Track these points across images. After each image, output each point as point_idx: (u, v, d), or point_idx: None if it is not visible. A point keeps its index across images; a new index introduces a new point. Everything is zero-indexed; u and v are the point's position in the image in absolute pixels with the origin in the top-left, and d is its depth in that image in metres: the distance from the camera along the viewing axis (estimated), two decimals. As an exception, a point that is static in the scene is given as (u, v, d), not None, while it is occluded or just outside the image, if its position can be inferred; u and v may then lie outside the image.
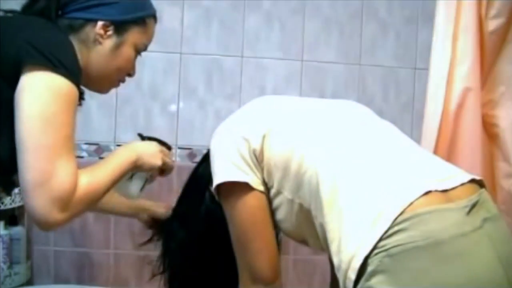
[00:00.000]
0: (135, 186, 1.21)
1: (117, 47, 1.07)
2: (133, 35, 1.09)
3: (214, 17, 1.91)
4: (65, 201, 0.90)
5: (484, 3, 1.38)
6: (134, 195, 1.22)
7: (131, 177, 1.19)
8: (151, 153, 1.14)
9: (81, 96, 1.14)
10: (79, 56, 1.01)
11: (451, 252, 0.80)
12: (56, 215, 0.90)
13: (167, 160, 1.19)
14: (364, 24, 1.97)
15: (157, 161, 1.15)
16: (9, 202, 1.69)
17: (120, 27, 1.06)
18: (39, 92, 0.91)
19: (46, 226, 0.91)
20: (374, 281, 0.81)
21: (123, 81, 1.18)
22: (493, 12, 1.38)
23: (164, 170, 1.20)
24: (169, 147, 1.24)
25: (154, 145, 1.17)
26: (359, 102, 1.17)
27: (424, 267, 0.79)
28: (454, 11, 1.37)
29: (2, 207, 1.66)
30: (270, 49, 1.94)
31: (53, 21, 1.03)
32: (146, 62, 1.89)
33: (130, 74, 1.17)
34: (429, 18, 1.48)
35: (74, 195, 0.91)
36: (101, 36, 1.05)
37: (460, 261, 0.80)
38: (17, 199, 1.72)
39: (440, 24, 1.39)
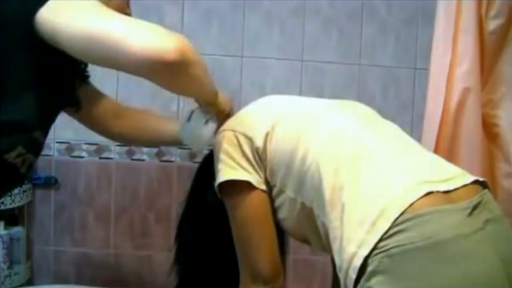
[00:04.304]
0: (209, 131, 1.14)
1: None
2: None
3: (214, 17, 1.91)
4: (176, 35, 0.85)
5: (484, 3, 1.38)
6: (205, 140, 1.16)
7: (205, 123, 1.15)
8: (224, 96, 1.15)
9: (78, 103, 1.14)
10: None
11: (451, 253, 0.79)
12: (173, 42, 0.83)
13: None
14: (364, 24, 1.97)
15: (229, 104, 1.15)
16: (9, 202, 1.69)
17: None
18: (62, 8, 0.88)
19: (166, 57, 0.82)
20: (373, 281, 0.81)
21: None
22: (493, 12, 1.39)
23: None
24: None
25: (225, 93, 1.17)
26: (359, 102, 1.17)
27: (424, 268, 0.79)
28: (454, 11, 1.37)
29: (2, 207, 1.66)
30: (270, 49, 1.94)
31: None
32: (146, 62, 1.89)
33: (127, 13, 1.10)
34: (429, 18, 1.49)
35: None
36: None
37: (460, 262, 0.80)
38: (17, 199, 1.72)
39: (440, 24, 1.39)
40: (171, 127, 1.29)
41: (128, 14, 1.14)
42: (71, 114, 1.24)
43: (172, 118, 1.47)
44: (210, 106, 1.11)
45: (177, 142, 1.28)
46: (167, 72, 0.86)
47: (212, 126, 1.14)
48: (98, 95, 1.31)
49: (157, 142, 1.47)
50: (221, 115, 1.15)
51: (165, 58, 0.82)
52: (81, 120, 1.30)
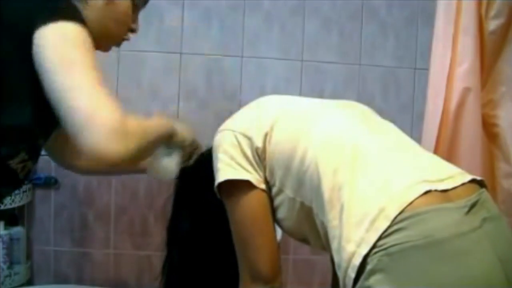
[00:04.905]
0: (171, 165, 1.19)
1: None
2: None
3: (214, 17, 1.91)
4: (120, 130, 0.87)
5: (484, 3, 1.38)
6: (170, 174, 1.21)
7: (166, 157, 1.20)
8: (184, 127, 1.17)
9: None
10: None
11: (449, 252, 0.80)
12: (116, 147, 0.86)
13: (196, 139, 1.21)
14: (364, 24, 1.97)
15: (191, 135, 1.17)
16: (9, 202, 1.69)
17: None
18: (56, 40, 0.91)
19: (111, 160, 0.87)
20: (372, 280, 0.81)
21: (127, 38, 1.17)
22: (493, 12, 1.38)
23: (193, 150, 1.21)
24: None
25: (186, 124, 1.20)
26: (359, 102, 1.17)
27: (422, 266, 0.79)
28: (454, 11, 1.37)
29: (2, 207, 1.66)
30: (270, 49, 1.94)
31: None
32: (146, 62, 1.90)
33: (133, 30, 1.16)
34: (429, 18, 1.48)
35: (127, 124, 0.89)
36: None
37: (459, 261, 0.80)
38: (17, 199, 1.72)
39: (440, 24, 1.39)
40: None
41: (133, 29, 1.17)
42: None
43: None
44: (168, 143, 1.15)
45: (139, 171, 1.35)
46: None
47: (175, 158, 1.19)
48: None
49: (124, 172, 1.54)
50: (185, 148, 1.19)
51: (111, 161, 0.88)
52: (51, 146, 1.28)
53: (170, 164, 1.20)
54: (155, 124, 1.07)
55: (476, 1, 1.37)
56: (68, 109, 0.88)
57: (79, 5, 1.04)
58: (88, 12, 1.06)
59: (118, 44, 1.18)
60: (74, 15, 0.96)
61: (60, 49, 0.91)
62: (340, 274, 0.86)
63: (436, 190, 0.85)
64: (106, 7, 1.07)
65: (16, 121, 0.93)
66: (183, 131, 1.17)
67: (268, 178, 1.03)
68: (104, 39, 1.12)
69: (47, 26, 0.91)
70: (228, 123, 1.08)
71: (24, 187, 1.75)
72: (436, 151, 1.35)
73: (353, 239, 0.83)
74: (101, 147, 0.85)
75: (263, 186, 1.03)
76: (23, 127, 0.94)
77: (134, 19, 1.15)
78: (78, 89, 0.88)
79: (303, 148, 0.97)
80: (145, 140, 0.96)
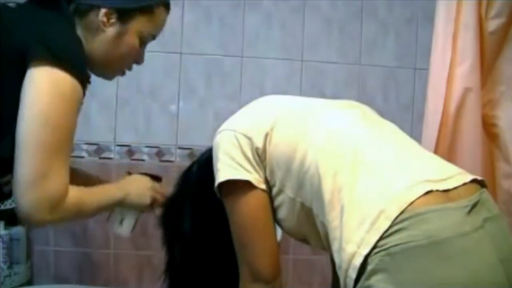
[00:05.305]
0: (125, 228, 1.25)
1: (120, 35, 1.06)
2: (138, 24, 1.07)
3: (214, 17, 1.92)
4: (55, 204, 0.92)
5: (484, 3, 1.38)
6: (125, 236, 1.27)
7: (121, 221, 1.24)
8: (139, 193, 1.18)
9: (87, 80, 1.14)
10: (84, 43, 1.01)
11: (451, 252, 0.80)
12: (43, 215, 0.92)
13: (156, 196, 1.21)
14: (364, 24, 1.98)
15: (145, 200, 1.19)
16: (9, 202, 1.69)
17: (123, 15, 1.04)
18: (43, 91, 0.92)
19: (31, 223, 0.95)
20: (374, 280, 0.81)
21: (130, 68, 1.16)
22: (493, 12, 1.38)
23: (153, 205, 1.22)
24: (159, 179, 1.27)
25: (144, 182, 1.20)
26: (359, 102, 1.17)
27: (424, 266, 0.79)
28: (454, 11, 1.37)
29: (2, 207, 1.66)
30: (270, 49, 1.94)
31: (61, 8, 1.01)
32: (146, 62, 1.89)
33: (138, 62, 1.15)
34: (429, 18, 1.48)
35: (64, 200, 0.94)
36: (104, 24, 1.04)
37: (461, 261, 0.80)
38: (17, 199, 1.72)
39: (440, 24, 1.39)
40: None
41: (139, 62, 1.15)
42: None
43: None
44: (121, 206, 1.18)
45: None
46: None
47: (126, 225, 1.25)
48: None
49: None
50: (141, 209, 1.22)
51: (33, 224, 1.04)
52: None
53: (122, 231, 1.25)
54: (102, 195, 1.10)
55: (476, 1, 1.37)
56: (21, 162, 0.91)
57: (86, 36, 1.04)
58: (95, 44, 1.05)
59: (123, 73, 1.17)
60: (73, 58, 0.95)
61: (42, 104, 0.91)
62: (340, 274, 0.86)
63: (437, 190, 0.85)
64: (114, 41, 1.06)
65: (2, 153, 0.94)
66: (138, 196, 1.18)
67: (269, 178, 1.03)
68: (108, 69, 1.12)
69: (42, 69, 0.91)
70: (228, 123, 1.08)
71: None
72: (436, 151, 1.35)
73: (353, 240, 0.83)
74: (30, 211, 0.92)
75: (263, 186, 1.02)
76: (6, 158, 0.94)
77: (141, 53, 1.14)
78: (38, 148, 0.91)
79: (303, 149, 0.97)
80: (80, 212, 1.02)
